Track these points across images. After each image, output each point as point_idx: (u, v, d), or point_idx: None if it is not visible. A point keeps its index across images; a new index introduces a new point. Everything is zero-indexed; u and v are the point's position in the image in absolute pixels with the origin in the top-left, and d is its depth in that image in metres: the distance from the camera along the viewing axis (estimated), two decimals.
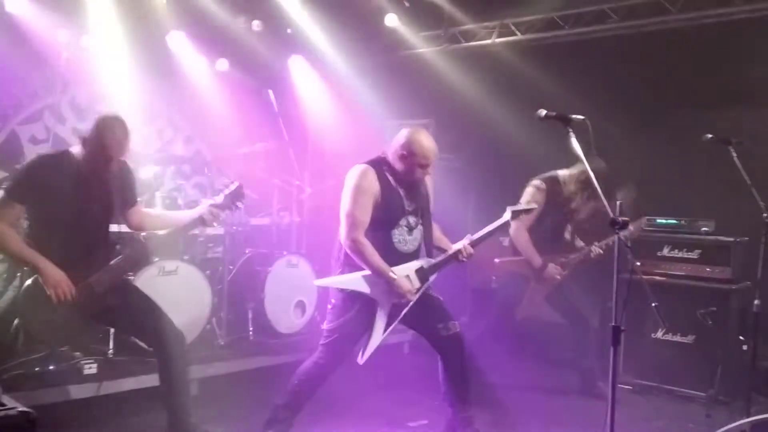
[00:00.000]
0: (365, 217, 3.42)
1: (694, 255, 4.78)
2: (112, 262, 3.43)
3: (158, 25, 6.19)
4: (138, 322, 3.49)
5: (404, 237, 3.53)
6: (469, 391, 3.66)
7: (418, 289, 3.54)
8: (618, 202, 2.93)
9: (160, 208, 4.90)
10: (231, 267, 5.30)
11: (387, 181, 3.48)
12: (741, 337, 4.45)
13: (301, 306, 5.47)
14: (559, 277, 4.54)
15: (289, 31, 6.92)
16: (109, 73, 6.23)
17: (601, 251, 4.58)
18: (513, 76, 6.19)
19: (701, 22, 5.25)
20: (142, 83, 6.65)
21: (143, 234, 4.48)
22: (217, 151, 7.02)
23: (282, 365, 4.91)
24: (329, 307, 3.59)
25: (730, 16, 5.13)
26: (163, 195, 5.19)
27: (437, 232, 3.78)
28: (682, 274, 4.79)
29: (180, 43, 6.43)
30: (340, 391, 4.54)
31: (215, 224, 5.12)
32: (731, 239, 4.66)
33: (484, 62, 6.49)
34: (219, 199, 3.61)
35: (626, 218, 2.77)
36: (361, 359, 3.51)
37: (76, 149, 3.34)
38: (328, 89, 7.66)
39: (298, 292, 5.45)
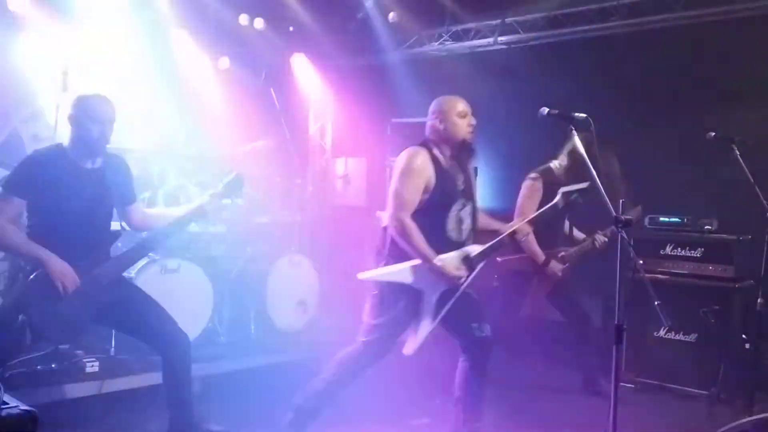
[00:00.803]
0: (414, 198, 3.31)
1: (696, 253, 4.78)
2: (114, 255, 3.44)
3: (161, 23, 6.19)
4: (142, 323, 3.48)
5: (456, 225, 3.41)
6: (483, 400, 3.56)
7: (466, 278, 3.40)
8: (621, 200, 2.92)
9: (162, 206, 4.90)
10: (233, 265, 5.30)
11: (439, 162, 3.40)
12: (744, 336, 4.44)
13: (302, 305, 5.47)
14: (560, 273, 4.52)
15: (291, 29, 6.92)
16: (111, 71, 6.24)
17: (606, 239, 4.55)
18: (515, 75, 6.18)
19: (703, 19, 5.23)
20: (144, 81, 6.66)
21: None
22: (219, 149, 7.02)
23: (284, 364, 4.92)
24: (372, 301, 3.42)
25: (733, 14, 5.11)
26: (166, 193, 5.19)
27: (484, 217, 3.66)
28: (685, 272, 4.78)
29: (182, 41, 6.43)
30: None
31: (216, 220, 5.14)
32: (734, 237, 4.65)
33: (485, 60, 6.49)
34: (218, 188, 3.60)
35: (629, 217, 2.77)
36: (410, 351, 3.38)
37: (67, 140, 3.34)
38: (330, 87, 7.66)
39: (300, 291, 5.46)
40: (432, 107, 3.52)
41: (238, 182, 3.61)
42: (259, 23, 6.59)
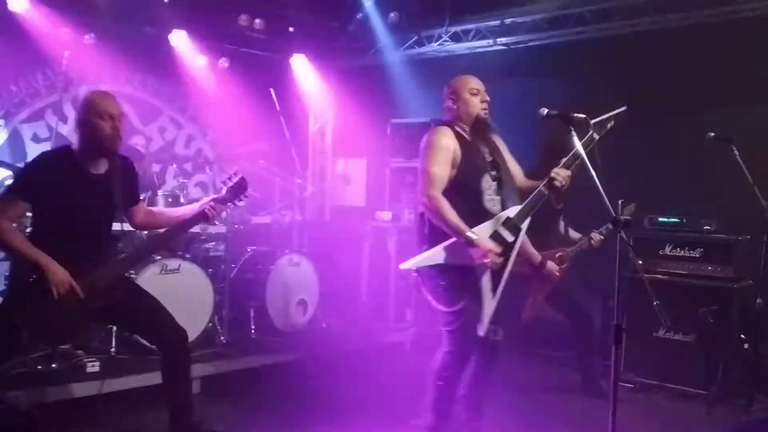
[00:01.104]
0: (442, 173, 3.26)
1: (695, 253, 4.78)
2: (114, 259, 3.44)
3: (160, 23, 6.20)
4: (141, 320, 3.48)
5: (491, 197, 3.33)
6: (485, 400, 3.57)
7: (513, 243, 3.29)
8: (620, 201, 2.93)
9: (162, 207, 4.90)
10: (233, 265, 5.31)
11: (463, 137, 3.37)
12: (742, 336, 4.45)
13: (302, 304, 5.49)
14: (558, 273, 4.52)
15: (291, 29, 6.92)
16: (111, 72, 6.25)
17: (602, 237, 4.56)
18: (515, 75, 6.18)
19: (703, 20, 5.24)
20: (144, 81, 6.68)
21: (145, 232, 4.50)
22: (218, 149, 7.04)
23: (283, 364, 4.92)
24: (437, 290, 3.29)
25: (733, 14, 5.12)
26: (165, 193, 5.20)
27: (526, 180, 3.55)
28: (684, 272, 4.78)
29: (182, 42, 6.44)
30: (341, 389, 4.55)
31: (217, 221, 5.13)
32: (733, 237, 4.65)
33: (485, 61, 6.49)
34: (222, 192, 3.59)
35: (628, 217, 2.77)
36: (482, 332, 3.27)
37: (76, 144, 3.32)
38: (330, 88, 7.66)
39: (300, 291, 5.47)
40: (445, 89, 3.50)
41: (242, 187, 3.59)
42: (259, 23, 6.59)
